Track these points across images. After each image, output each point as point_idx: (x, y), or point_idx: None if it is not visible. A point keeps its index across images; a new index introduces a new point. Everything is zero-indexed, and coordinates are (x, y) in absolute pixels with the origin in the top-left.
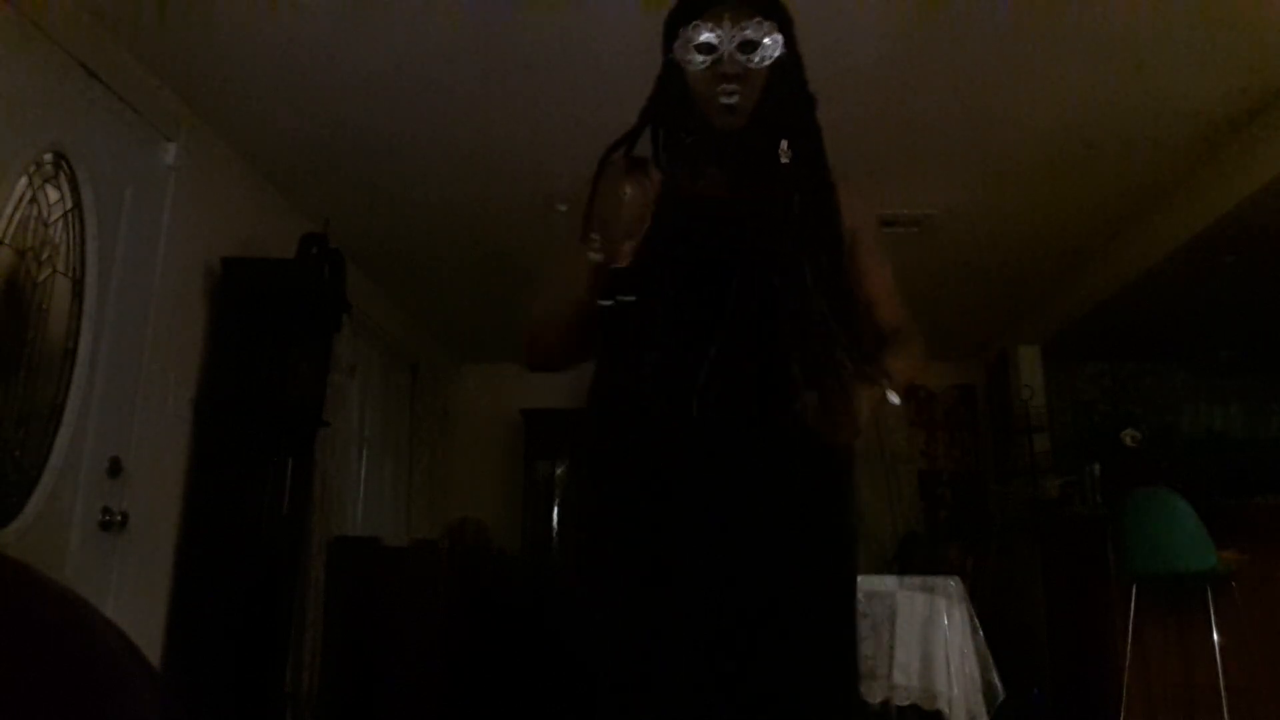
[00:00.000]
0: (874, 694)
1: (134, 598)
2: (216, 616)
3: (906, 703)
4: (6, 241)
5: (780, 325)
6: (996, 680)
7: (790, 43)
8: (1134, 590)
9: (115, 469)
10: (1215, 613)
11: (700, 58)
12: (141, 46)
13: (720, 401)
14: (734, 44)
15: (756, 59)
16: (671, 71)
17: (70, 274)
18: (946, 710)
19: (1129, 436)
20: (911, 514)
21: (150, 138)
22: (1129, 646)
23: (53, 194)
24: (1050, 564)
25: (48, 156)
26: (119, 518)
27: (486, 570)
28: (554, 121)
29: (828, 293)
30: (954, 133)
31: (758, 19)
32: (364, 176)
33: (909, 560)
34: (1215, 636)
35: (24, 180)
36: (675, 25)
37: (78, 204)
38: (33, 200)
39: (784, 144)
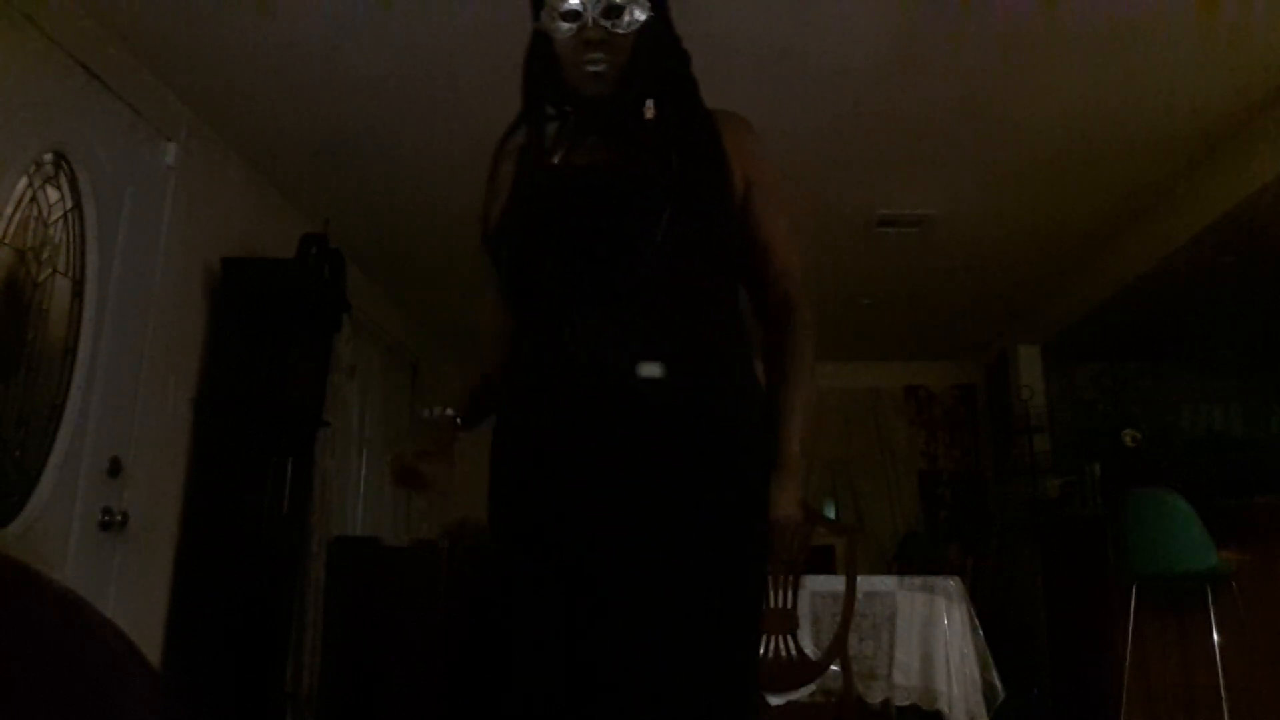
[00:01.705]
0: (874, 694)
1: (134, 598)
2: (216, 616)
3: (906, 703)
4: (6, 241)
5: (642, 289)
6: (996, 680)
7: (658, 4)
8: (1134, 590)
9: (115, 469)
10: (1215, 613)
11: (565, 25)
12: (141, 46)
13: (596, 364)
14: (598, 10)
15: (621, 24)
16: (539, 41)
17: (70, 274)
18: (946, 710)
19: (1129, 436)
20: (911, 514)
21: (150, 138)
22: (1129, 646)
23: (53, 194)
24: (1050, 564)
25: (48, 156)
26: (119, 518)
27: (486, 570)
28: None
29: (705, 246)
30: (954, 132)
31: None
32: (364, 176)
33: (909, 560)
34: (1215, 636)
35: (24, 180)
36: None
37: (78, 204)
38: (33, 200)
39: (649, 103)
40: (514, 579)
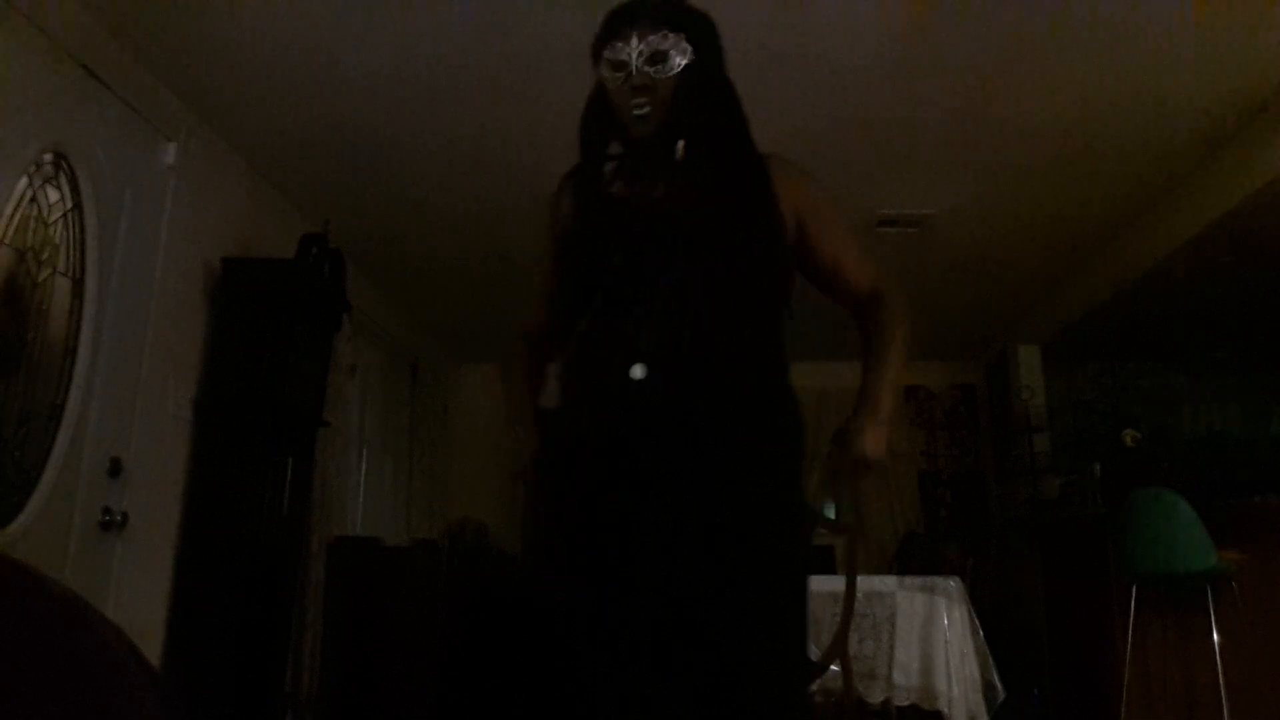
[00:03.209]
0: (874, 694)
1: (134, 598)
2: (217, 617)
3: (906, 703)
4: (6, 241)
5: (691, 310)
6: (996, 680)
7: (704, 47)
8: (1134, 590)
9: (115, 469)
10: (1215, 613)
11: (616, 75)
12: (141, 46)
13: (654, 384)
14: (642, 58)
15: (664, 70)
16: (598, 90)
17: (70, 274)
18: (946, 710)
19: (1129, 436)
20: (911, 514)
21: (150, 138)
22: (1129, 646)
23: (53, 194)
24: (1050, 564)
25: (48, 156)
26: (119, 518)
27: (486, 570)
28: (554, 121)
29: (742, 274)
30: (954, 133)
31: (665, 32)
32: (364, 176)
33: (909, 560)
34: (1215, 636)
35: (24, 180)
36: (599, 48)
37: (78, 204)
38: (33, 200)
39: (680, 144)
40: (584, 577)
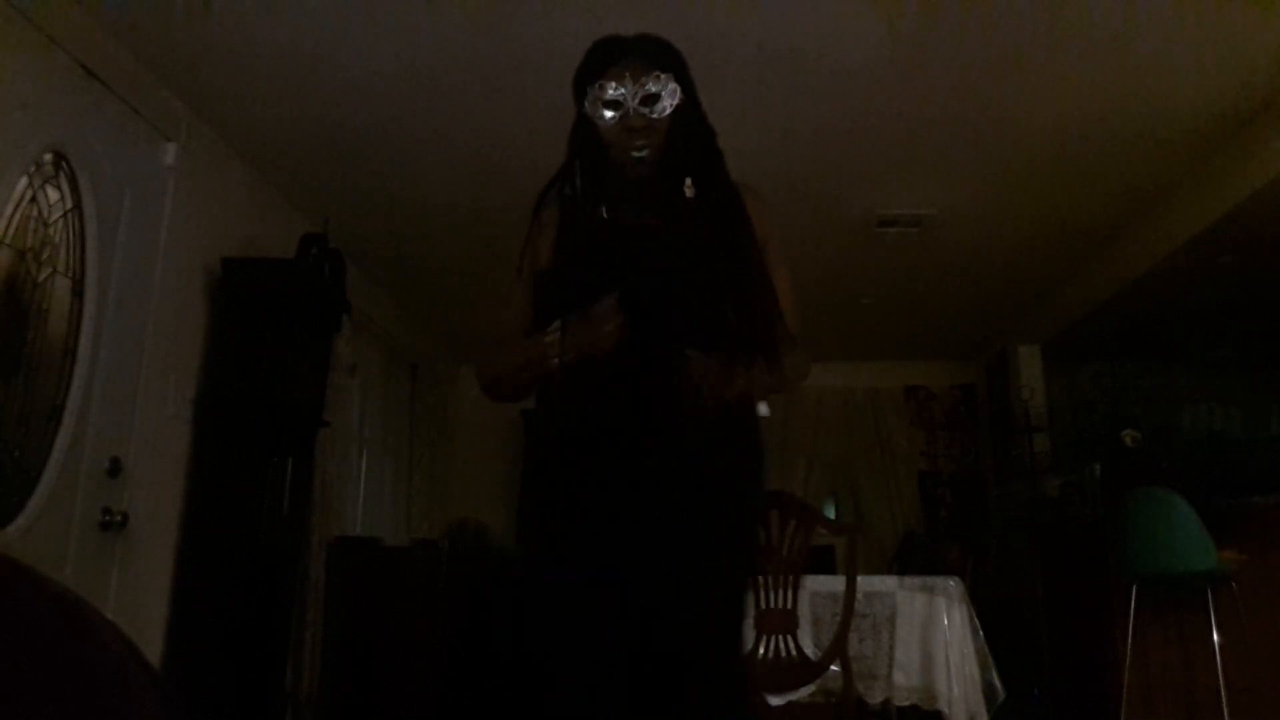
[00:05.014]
0: (874, 694)
1: (134, 598)
2: (216, 616)
3: (906, 703)
4: (6, 241)
5: (687, 339)
6: (996, 680)
7: (687, 85)
8: (1134, 590)
9: (115, 469)
10: (1215, 613)
11: (609, 113)
12: (141, 46)
13: (639, 404)
14: (637, 100)
15: (658, 110)
16: (584, 123)
17: (70, 274)
18: (946, 710)
19: (1129, 436)
20: (911, 514)
21: (150, 138)
22: (1129, 646)
23: (53, 194)
24: (1050, 564)
25: (48, 156)
26: (119, 518)
27: (486, 570)
28: (553, 121)
29: (736, 303)
30: (954, 133)
31: (656, 73)
32: (364, 176)
33: (909, 560)
34: (1215, 636)
35: (24, 180)
36: (583, 83)
37: (78, 204)
38: (33, 200)
39: (688, 181)
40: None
